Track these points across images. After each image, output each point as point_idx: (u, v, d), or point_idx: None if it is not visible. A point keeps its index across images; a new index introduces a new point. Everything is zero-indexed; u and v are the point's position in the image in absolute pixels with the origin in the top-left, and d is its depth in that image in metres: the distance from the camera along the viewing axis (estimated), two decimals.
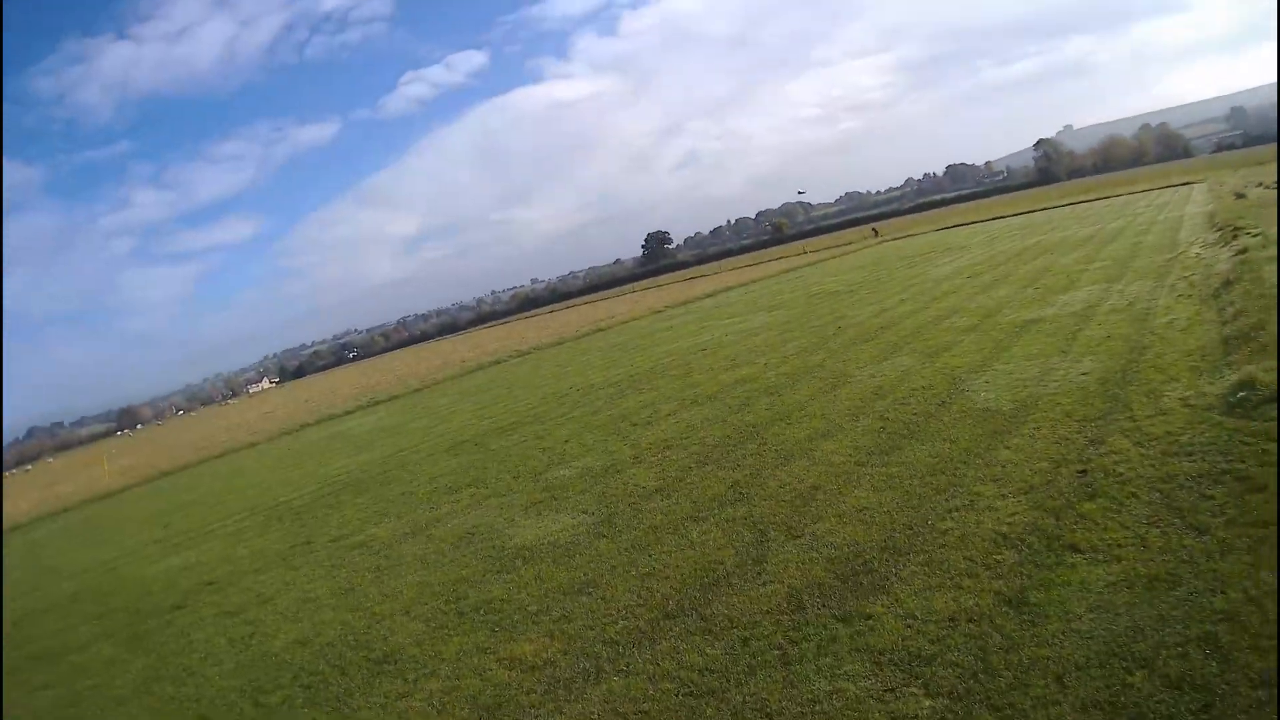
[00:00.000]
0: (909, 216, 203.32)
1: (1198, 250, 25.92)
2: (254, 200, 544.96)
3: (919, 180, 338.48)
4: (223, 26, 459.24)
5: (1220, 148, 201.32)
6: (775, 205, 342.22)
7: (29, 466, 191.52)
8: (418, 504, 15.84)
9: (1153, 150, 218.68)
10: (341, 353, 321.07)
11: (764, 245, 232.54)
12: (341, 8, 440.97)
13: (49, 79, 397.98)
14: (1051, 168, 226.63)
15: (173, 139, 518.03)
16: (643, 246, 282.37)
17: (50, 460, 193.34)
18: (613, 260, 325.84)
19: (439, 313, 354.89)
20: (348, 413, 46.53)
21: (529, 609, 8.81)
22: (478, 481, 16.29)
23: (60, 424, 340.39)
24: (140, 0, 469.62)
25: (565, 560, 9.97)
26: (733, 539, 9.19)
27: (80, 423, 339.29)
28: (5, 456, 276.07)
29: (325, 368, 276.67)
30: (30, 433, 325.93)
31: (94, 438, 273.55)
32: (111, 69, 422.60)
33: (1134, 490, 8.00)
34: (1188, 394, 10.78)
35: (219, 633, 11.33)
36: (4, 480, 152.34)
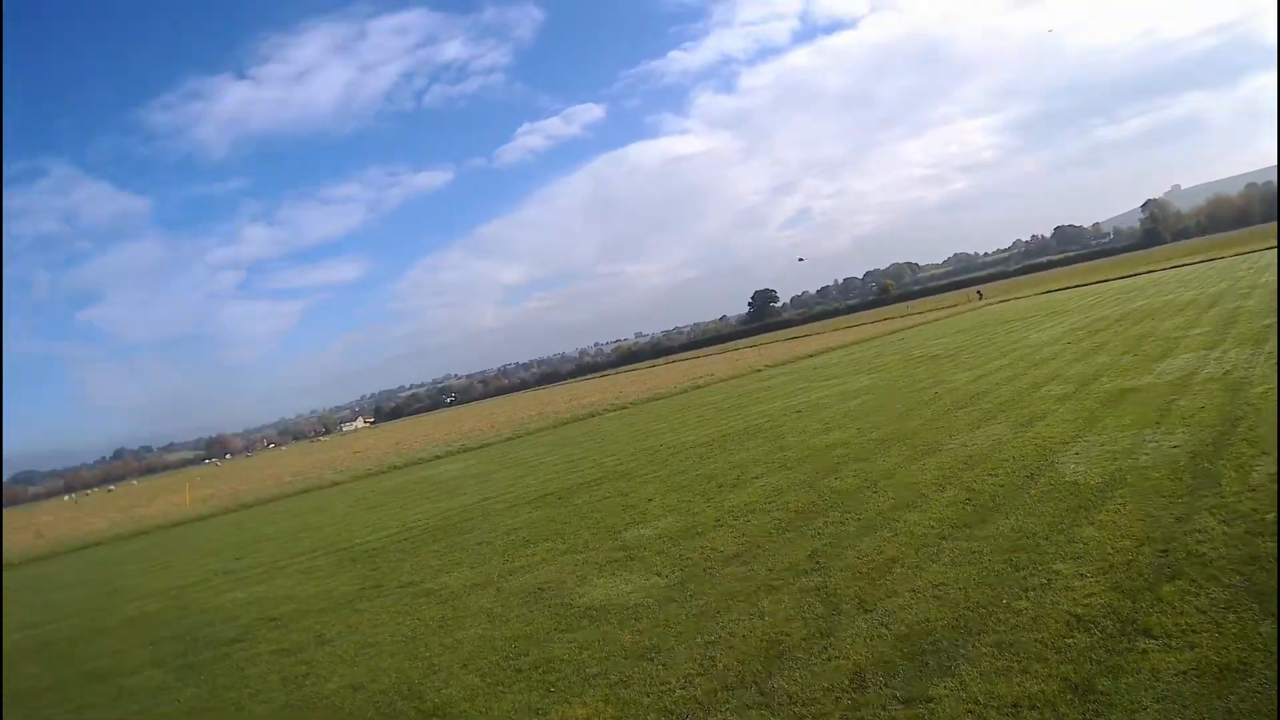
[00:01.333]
0: (1015, 279, 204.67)
1: None
2: (364, 242, 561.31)
3: (1026, 242, 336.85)
4: (342, 71, 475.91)
5: None
6: (884, 265, 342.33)
7: (112, 487, 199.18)
8: (493, 555, 16.13)
9: (1258, 210, 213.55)
10: (439, 397, 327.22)
11: (870, 305, 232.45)
12: (462, 58, 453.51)
13: (166, 114, 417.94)
14: (1157, 229, 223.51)
15: (286, 179, 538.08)
16: (749, 304, 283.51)
17: (134, 483, 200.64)
18: (718, 316, 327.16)
19: (540, 362, 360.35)
20: (437, 458, 47.47)
21: (588, 671, 8.92)
22: (556, 536, 16.56)
23: (149, 448, 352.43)
24: (261, 43, 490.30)
25: (631, 623, 10.09)
26: (803, 610, 9.20)
27: (169, 448, 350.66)
28: (92, 474, 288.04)
29: (421, 410, 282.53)
30: (118, 454, 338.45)
31: (181, 464, 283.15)
32: (229, 107, 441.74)
33: (1215, 572, 7.89)
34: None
35: (273, 670, 11.70)
36: (87, 497, 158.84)
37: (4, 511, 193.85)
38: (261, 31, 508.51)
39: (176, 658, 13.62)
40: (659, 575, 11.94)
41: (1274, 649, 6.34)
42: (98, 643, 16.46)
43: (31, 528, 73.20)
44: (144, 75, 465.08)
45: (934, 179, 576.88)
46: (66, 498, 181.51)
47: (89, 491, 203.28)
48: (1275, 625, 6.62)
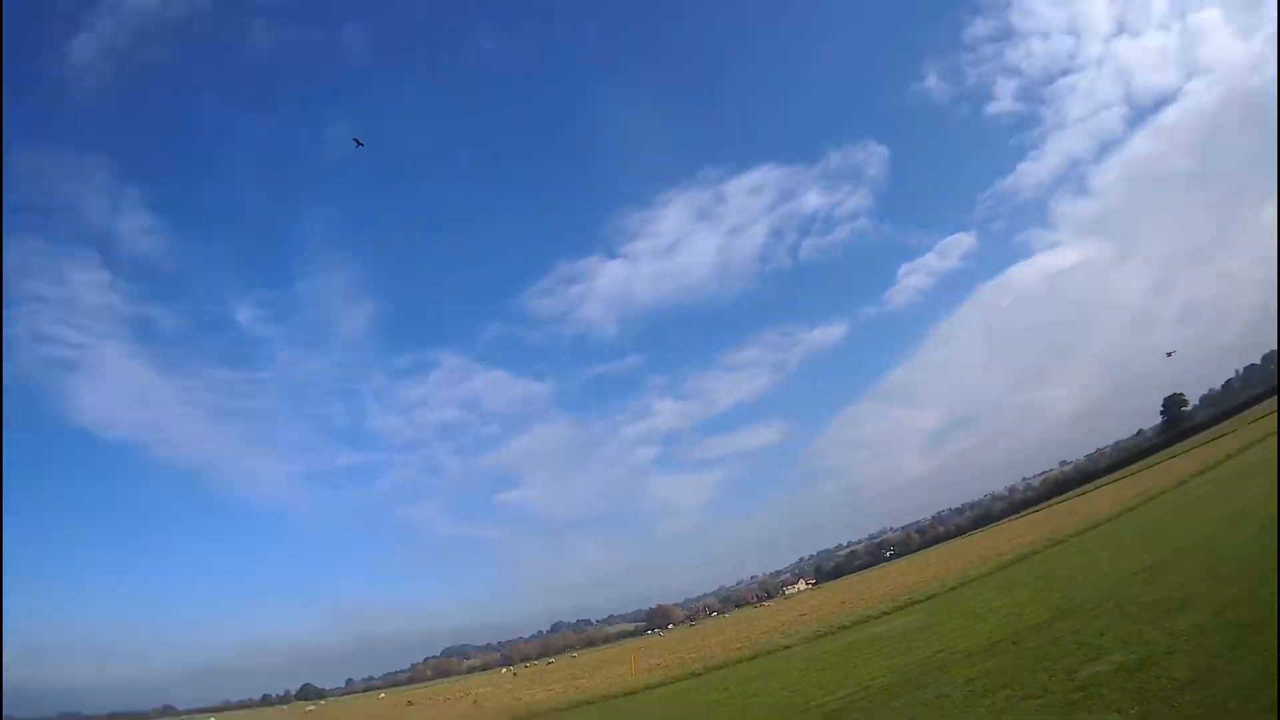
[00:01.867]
0: None
1: None
2: (775, 404, 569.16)
3: None
4: (710, 237, 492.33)
5: None
6: (1274, 344, 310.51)
7: (552, 660, 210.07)
8: (953, 709, 16.62)
9: None
10: (878, 551, 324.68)
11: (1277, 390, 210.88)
12: (824, 206, 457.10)
13: (546, 299, 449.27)
14: None
15: (683, 350, 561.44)
16: (1161, 412, 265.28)
17: (574, 655, 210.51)
18: (1134, 431, 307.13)
19: (972, 505, 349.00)
20: (884, 613, 47.50)
21: None
22: (1013, 683, 16.81)
23: (587, 621, 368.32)
24: (624, 220, 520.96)
25: None
26: None
27: (608, 620, 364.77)
28: (534, 648, 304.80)
29: (862, 567, 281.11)
30: (555, 627, 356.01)
31: (622, 636, 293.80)
32: (609, 286, 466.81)
33: None
34: None
35: None
36: (525, 669, 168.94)
37: (440, 684, 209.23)
38: (621, 210, 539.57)
39: None
40: (1118, 711, 12.27)
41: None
42: None
43: (469, 696, 79.21)
44: (516, 266, 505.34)
45: None
46: (504, 670, 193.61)
47: (527, 664, 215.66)
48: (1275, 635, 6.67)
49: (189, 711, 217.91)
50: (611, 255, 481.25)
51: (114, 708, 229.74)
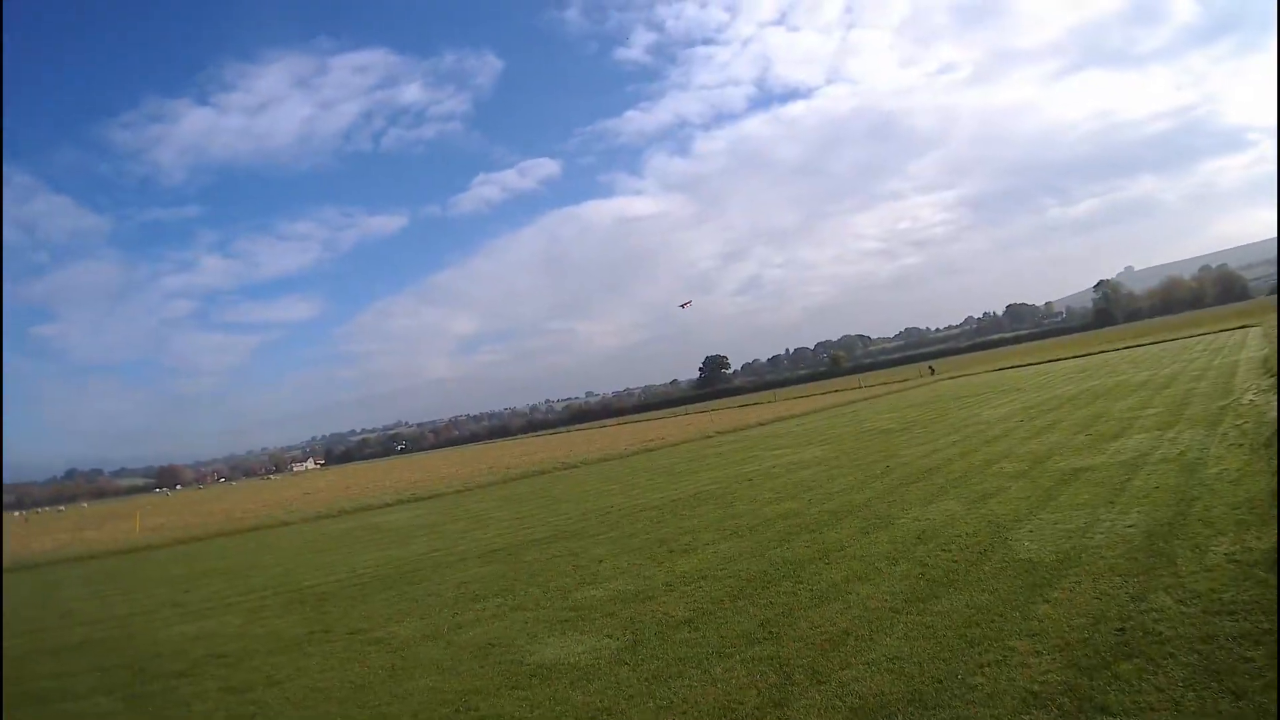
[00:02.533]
0: (967, 355, 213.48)
1: (1251, 397, 26.78)
2: (318, 282, 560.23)
3: (979, 319, 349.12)
4: (302, 106, 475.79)
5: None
6: (835, 337, 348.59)
7: (62, 507, 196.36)
8: (442, 607, 16.02)
9: (1211, 292, 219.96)
10: (390, 444, 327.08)
11: (821, 377, 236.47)
12: (420, 102, 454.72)
13: (126, 132, 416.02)
14: (1110, 309, 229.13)
15: (243, 210, 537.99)
16: (700, 369, 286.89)
17: (84, 505, 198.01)
18: (669, 380, 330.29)
19: (491, 415, 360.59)
20: (387, 505, 47.25)
21: None
22: (505, 592, 16.50)
23: (99, 471, 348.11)
24: (224, 69, 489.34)
25: (583, 683, 10.06)
26: (756, 679, 9.21)
27: (120, 473, 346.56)
28: (42, 492, 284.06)
29: (372, 456, 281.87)
30: (69, 474, 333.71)
31: (132, 490, 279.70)
32: (189, 133, 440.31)
33: (1172, 650, 8.02)
34: (1234, 549, 10.92)
35: (220, 708, 11.55)
36: (37, 515, 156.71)
37: None
38: (224, 57, 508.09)
39: (124, 687, 13.42)
40: (610, 637, 11.92)
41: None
42: (43, 664, 16.19)
43: None
44: (105, 92, 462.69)
45: (885, 253, 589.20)
46: (16, 514, 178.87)
47: (39, 510, 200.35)
48: (1237, 706, 6.76)
49: None
50: (202, 102, 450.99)
51: None
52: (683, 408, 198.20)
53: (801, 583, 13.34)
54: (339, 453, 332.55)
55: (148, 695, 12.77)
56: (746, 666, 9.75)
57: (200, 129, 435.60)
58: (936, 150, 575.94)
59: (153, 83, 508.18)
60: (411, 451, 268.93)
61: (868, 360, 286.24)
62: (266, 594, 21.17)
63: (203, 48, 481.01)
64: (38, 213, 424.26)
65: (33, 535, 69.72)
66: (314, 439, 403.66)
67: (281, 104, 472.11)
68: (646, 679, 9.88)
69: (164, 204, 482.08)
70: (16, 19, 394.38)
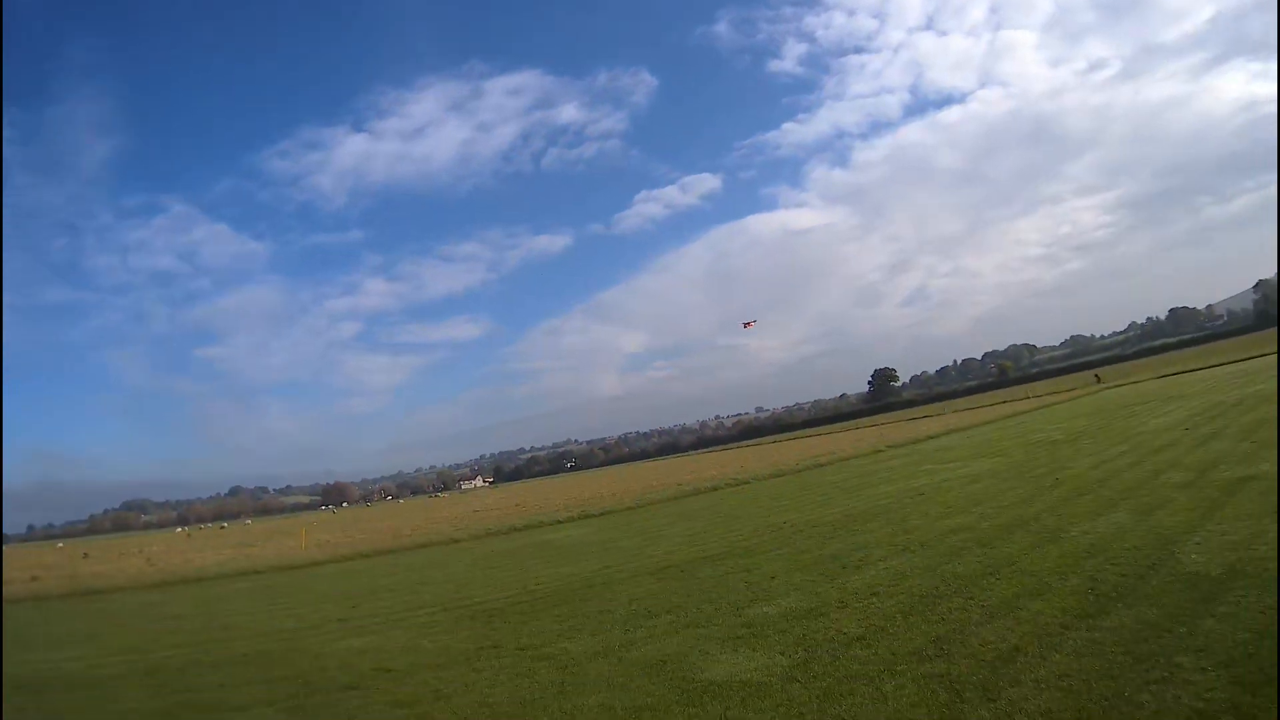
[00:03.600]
0: (1132, 362, 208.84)
1: None
2: (485, 302, 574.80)
3: (1142, 324, 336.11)
4: (458, 130, 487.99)
5: None
6: (1001, 346, 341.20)
7: (225, 524, 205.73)
8: (614, 624, 16.37)
9: None
10: (559, 461, 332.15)
11: (988, 388, 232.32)
12: (578, 122, 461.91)
13: (284, 161, 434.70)
14: (1269, 310, 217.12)
15: (405, 233, 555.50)
16: (869, 382, 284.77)
17: (248, 521, 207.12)
18: (838, 395, 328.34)
19: (661, 432, 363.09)
20: (559, 522, 48.07)
21: None
22: (678, 608, 16.80)
23: (265, 489, 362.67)
24: (379, 97, 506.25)
25: (754, 701, 10.28)
26: (926, 697, 9.36)
27: (285, 490, 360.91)
28: (206, 508, 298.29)
29: (541, 474, 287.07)
30: (233, 491, 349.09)
31: (297, 508, 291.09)
32: (347, 159, 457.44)
33: None
34: None
35: None
36: (200, 530, 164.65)
37: (116, 538, 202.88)
38: (378, 85, 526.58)
39: (288, 699, 14.12)
40: (782, 654, 12.11)
41: None
42: (206, 675, 17.16)
43: (143, 554, 76.18)
44: (262, 123, 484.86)
45: (1048, 259, 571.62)
46: (179, 529, 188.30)
47: (202, 526, 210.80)
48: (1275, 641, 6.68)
49: None
50: (358, 129, 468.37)
51: None
52: (852, 421, 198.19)
53: (972, 598, 13.48)
54: (508, 470, 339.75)
55: (312, 708, 13.46)
56: (917, 684, 9.91)
57: (357, 155, 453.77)
58: (1092, 151, 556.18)
59: (308, 112, 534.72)
60: (581, 469, 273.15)
61: (1034, 369, 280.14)
62: (435, 610, 21.90)
63: (356, 77, 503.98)
64: (197, 241, 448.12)
65: (195, 550, 73.53)
66: (483, 457, 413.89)
67: (438, 128, 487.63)
68: (818, 696, 10.08)
69: (326, 229, 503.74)
70: (170, 56, 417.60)
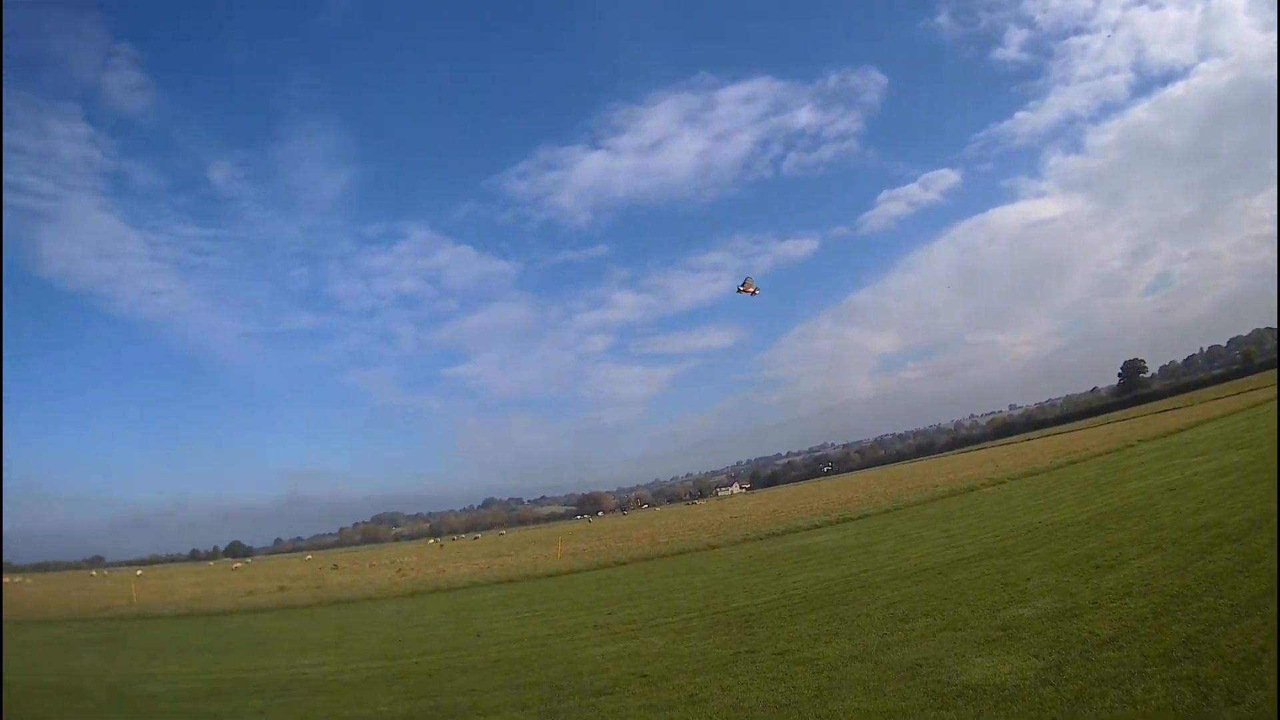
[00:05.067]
0: None
1: None
2: (734, 310, 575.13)
3: None
4: (695, 142, 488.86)
5: None
6: (1245, 331, 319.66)
7: (478, 535, 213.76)
8: (871, 628, 16.84)
9: None
10: (816, 465, 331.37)
11: (1235, 375, 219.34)
12: (814, 125, 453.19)
13: (523, 182, 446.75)
14: None
15: (651, 246, 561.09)
16: (1119, 374, 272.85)
17: (502, 533, 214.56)
18: (1089, 388, 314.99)
19: (915, 434, 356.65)
20: (815, 527, 48.79)
21: None
22: (934, 611, 17.19)
23: (519, 500, 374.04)
24: (612, 114, 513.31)
25: (1007, 705, 10.64)
26: (1174, 700, 9.53)
27: (540, 501, 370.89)
28: (459, 520, 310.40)
29: (798, 479, 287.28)
30: (486, 503, 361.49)
31: (552, 518, 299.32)
32: (586, 176, 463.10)
33: None
34: None
35: None
36: (453, 541, 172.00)
37: (366, 549, 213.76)
38: (610, 103, 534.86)
39: (540, 703, 15.12)
40: (1036, 657, 12.40)
41: None
42: (457, 680, 18.49)
43: (393, 565, 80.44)
44: (499, 146, 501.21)
45: None
46: (431, 541, 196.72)
47: (455, 537, 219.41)
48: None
49: (117, 564, 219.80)
50: (595, 146, 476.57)
51: (41, 558, 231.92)
52: (1103, 416, 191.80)
53: (1222, 597, 13.42)
54: (765, 476, 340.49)
55: (564, 712, 14.41)
56: (1166, 687, 10.09)
57: (597, 172, 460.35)
58: None
59: (542, 133, 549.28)
60: (837, 473, 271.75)
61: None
62: (692, 615, 22.78)
63: (587, 96, 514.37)
64: (441, 264, 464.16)
65: (447, 561, 77.11)
66: (739, 463, 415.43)
67: (674, 141, 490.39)
68: (1069, 700, 10.38)
69: (571, 246, 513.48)
70: (397, 88, 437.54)
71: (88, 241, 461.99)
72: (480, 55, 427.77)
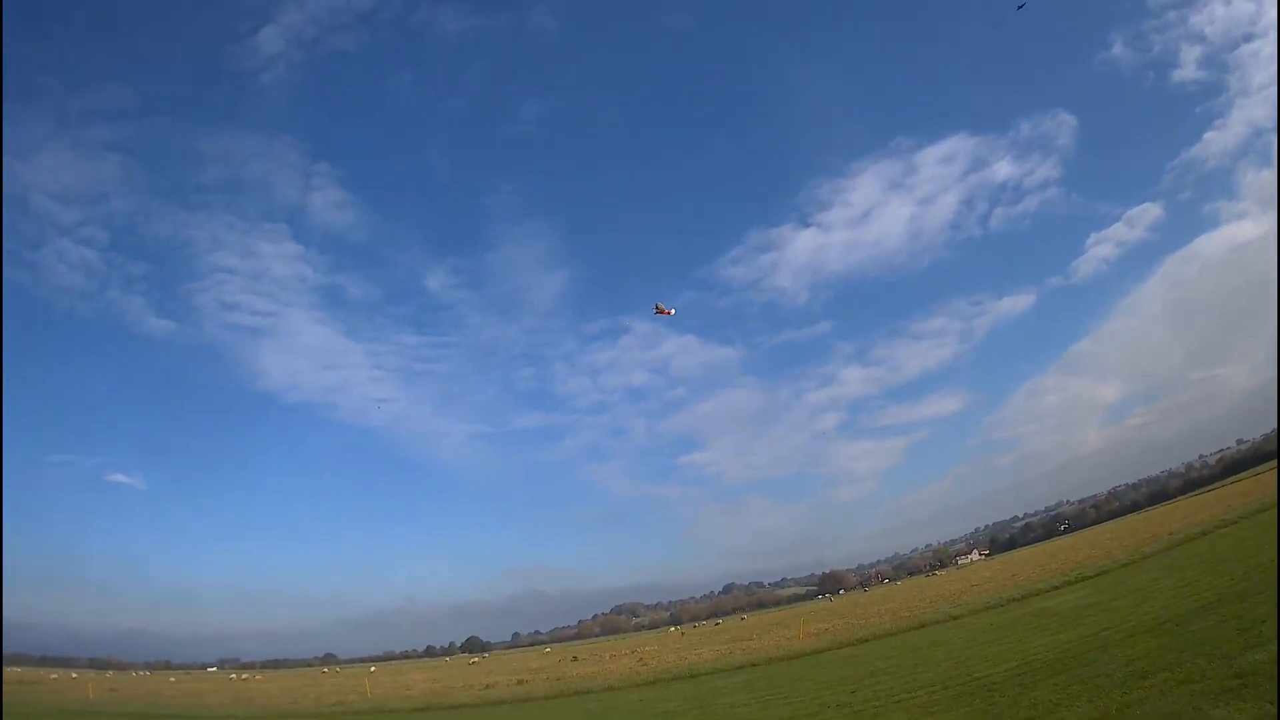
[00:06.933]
0: None
1: None
2: (960, 373, 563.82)
3: None
4: (902, 208, 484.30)
5: None
6: None
7: (720, 620, 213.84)
8: (1111, 688, 16.82)
9: None
10: (1052, 524, 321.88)
11: None
12: (1014, 176, 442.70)
13: (738, 267, 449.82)
14: None
15: (872, 318, 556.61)
16: None
17: (743, 617, 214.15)
18: None
19: (1148, 481, 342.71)
20: (1054, 588, 48.15)
21: None
22: (1173, 665, 17.01)
23: (759, 583, 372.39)
24: (817, 190, 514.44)
25: None
26: None
27: (780, 583, 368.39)
28: (704, 608, 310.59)
29: (1036, 540, 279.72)
30: (726, 588, 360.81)
31: (794, 599, 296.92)
32: (800, 254, 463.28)
33: None
34: None
35: None
36: (694, 629, 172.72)
37: (606, 640, 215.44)
38: (813, 180, 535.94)
39: None
40: (1270, 703, 12.40)
41: None
42: None
43: (634, 654, 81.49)
44: (710, 235, 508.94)
45: None
46: (672, 629, 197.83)
47: (696, 624, 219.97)
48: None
49: (351, 661, 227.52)
50: (804, 224, 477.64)
51: (274, 655, 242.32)
52: None
53: None
54: (1003, 540, 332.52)
55: None
56: None
57: (810, 249, 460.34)
58: None
59: (752, 218, 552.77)
60: (1075, 529, 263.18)
61: None
62: (935, 689, 22.95)
63: (791, 176, 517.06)
64: (666, 355, 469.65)
65: (688, 648, 77.79)
66: (976, 530, 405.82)
67: (882, 209, 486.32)
68: None
69: (794, 325, 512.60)
70: (603, 191, 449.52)
71: (308, 354, 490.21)
72: (680, 147, 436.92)
